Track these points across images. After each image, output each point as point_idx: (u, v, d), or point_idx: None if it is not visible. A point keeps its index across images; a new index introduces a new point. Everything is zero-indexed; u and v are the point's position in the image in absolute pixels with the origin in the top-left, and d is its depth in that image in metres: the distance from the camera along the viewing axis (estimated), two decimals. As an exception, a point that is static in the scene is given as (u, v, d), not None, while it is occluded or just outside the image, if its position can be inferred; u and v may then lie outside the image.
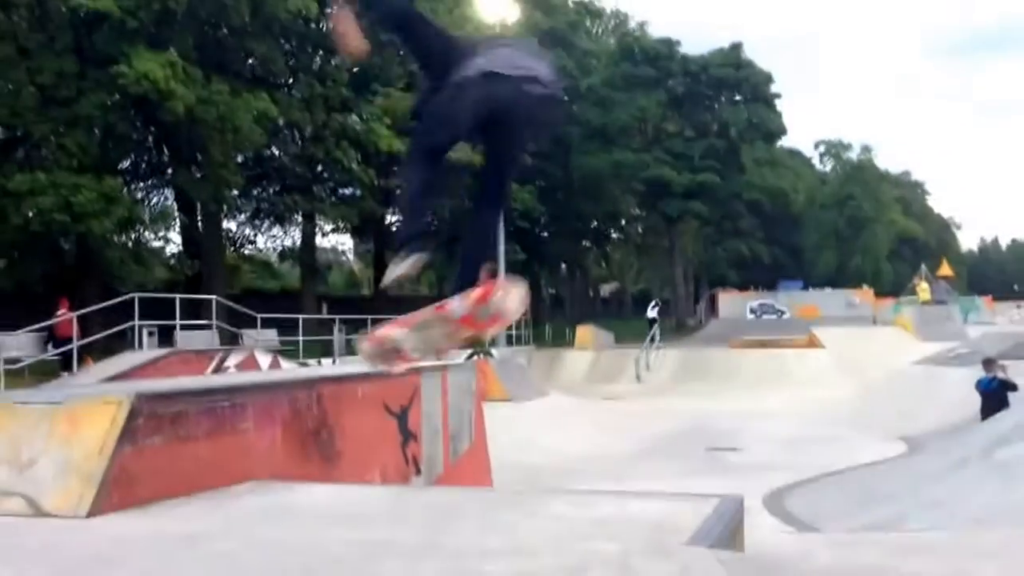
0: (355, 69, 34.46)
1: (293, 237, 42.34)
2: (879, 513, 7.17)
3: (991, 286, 78.98)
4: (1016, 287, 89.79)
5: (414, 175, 3.93)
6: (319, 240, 43.25)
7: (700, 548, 2.91)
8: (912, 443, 12.54)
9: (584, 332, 31.59)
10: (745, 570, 2.82)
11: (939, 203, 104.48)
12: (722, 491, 3.80)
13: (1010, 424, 9.61)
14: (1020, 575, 3.04)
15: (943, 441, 11.69)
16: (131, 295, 17.44)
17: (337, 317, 25.29)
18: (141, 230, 31.25)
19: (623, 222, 61.36)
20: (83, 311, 17.43)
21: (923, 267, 56.02)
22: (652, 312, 32.71)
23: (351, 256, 68.83)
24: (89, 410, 3.83)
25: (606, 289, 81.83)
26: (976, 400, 14.04)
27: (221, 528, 3.37)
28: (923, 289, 45.63)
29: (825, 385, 22.47)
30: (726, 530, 3.25)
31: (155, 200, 36.75)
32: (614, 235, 61.69)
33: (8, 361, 15.38)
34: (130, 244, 30.07)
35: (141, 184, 35.35)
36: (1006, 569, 3.17)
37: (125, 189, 30.23)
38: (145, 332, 17.75)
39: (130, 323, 17.34)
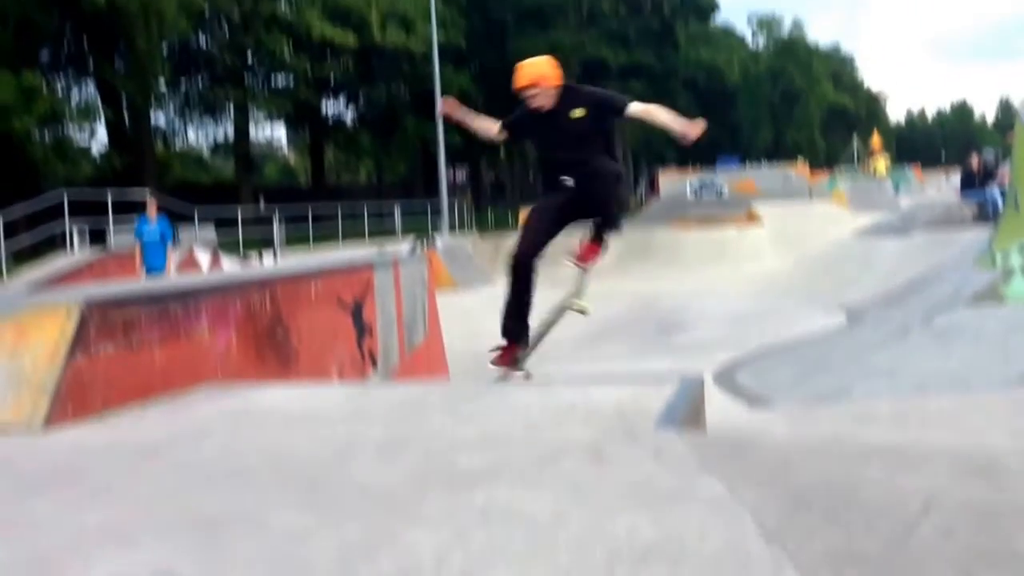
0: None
1: (226, 129, 41.21)
2: (824, 384, 7.34)
3: (919, 156, 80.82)
4: (944, 155, 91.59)
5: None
6: (253, 132, 42.15)
7: (669, 432, 2.94)
8: (852, 313, 12.79)
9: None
10: (711, 450, 2.86)
11: (867, 76, 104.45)
12: (675, 370, 3.85)
13: (948, 291, 9.85)
14: (967, 440, 3.14)
15: (883, 310, 11.95)
16: (58, 191, 16.51)
17: (277, 206, 24.87)
18: (65, 125, 29.96)
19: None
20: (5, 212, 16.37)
21: (855, 138, 56.32)
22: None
23: (284, 147, 67.60)
24: (36, 319, 3.69)
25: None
26: (910, 267, 14.56)
27: (181, 435, 3.31)
28: (881, 160, 44.71)
29: (766, 260, 22.85)
30: (690, 410, 3.29)
31: (77, 94, 35.19)
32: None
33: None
34: (54, 141, 28.86)
35: (62, 77, 33.74)
36: (955, 432, 3.28)
37: (45, 83, 28.85)
38: (76, 233, 17.02)
39: (59, 224, 16.58)
